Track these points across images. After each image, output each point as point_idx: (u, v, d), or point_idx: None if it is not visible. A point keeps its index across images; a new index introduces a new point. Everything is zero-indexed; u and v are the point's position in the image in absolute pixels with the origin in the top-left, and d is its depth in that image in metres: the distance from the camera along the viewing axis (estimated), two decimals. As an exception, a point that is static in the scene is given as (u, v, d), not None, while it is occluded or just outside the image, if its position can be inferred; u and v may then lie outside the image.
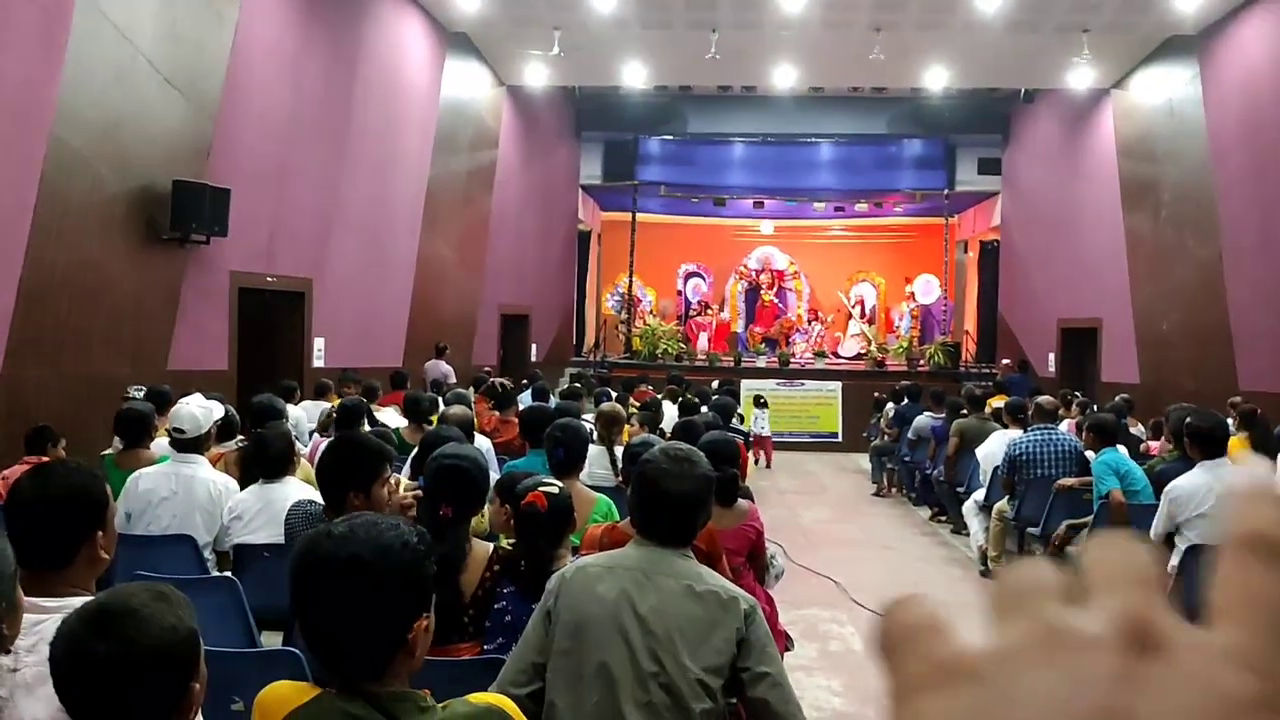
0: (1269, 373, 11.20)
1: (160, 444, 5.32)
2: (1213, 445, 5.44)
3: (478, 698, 1.77)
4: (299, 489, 4.34)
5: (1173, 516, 5.36)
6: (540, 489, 3.14)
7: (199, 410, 4.71)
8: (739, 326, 23.58)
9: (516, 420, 6.92)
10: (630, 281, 21.07)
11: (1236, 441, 8.31)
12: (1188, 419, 5.62)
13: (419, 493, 3.32)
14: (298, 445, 4.92)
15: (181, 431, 4.63)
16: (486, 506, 3.60)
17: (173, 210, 8.64)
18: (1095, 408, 9.99)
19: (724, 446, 4.43)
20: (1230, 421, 8.82)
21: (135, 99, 8.27)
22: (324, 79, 11.12)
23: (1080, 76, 14.49)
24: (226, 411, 5.67)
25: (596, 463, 5.97)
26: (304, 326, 11.11)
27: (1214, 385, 11.69)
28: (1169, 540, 5.40)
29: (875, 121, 19.43)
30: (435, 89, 13.93)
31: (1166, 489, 5.47)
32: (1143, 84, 14.47)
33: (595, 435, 6.42)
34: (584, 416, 8.27)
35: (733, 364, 19.07)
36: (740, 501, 4.40)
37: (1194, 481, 5.35)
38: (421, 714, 1.60)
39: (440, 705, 1.65)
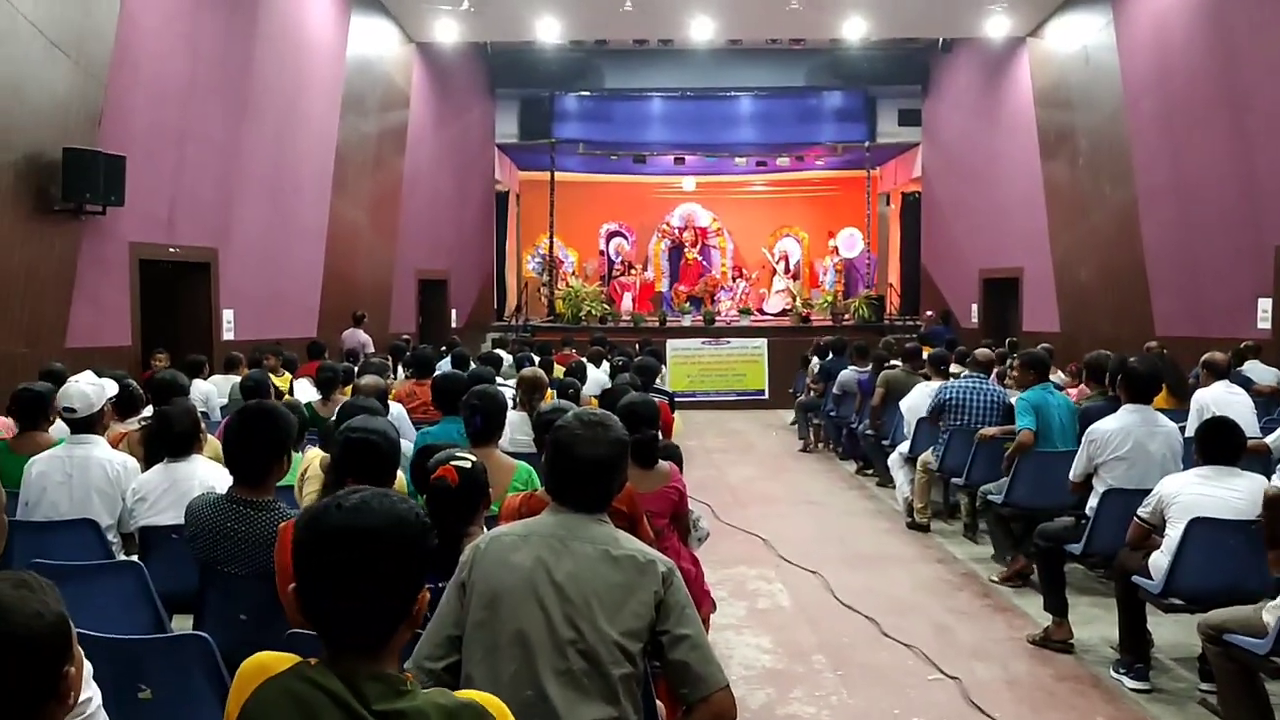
0: (1182, 316, 11.53)
1: (61, 426, 5.16)
2: (1144, 391, 5.58)
3: (459, 692, 1.80)
4: (206, 467, 4.25)
5: (1091, 459, 5.49)
6: (452, 462, 3.10)
7: (89, 387, 4.56)
8: (663, 286, 23.61)
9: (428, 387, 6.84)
10: (551, 242, 20.97)
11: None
12: (1129, 360, 5.75)
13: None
14: (204, 422, 4.81)
15: (73, 410, 4.49)
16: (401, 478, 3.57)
17: (64, 180, 8.35)
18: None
19: (643, 408, 4.43)
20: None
21: (18, 64, 7.94)
22: (222, 38, 10.80)
23: (997, 25, 14.65)
24: (129, 388, 5.52)
25: (518, 429, 5.95)
26: (211, 298, 10.85)
27: (1131, 330, 12.02)
28: (1088, 482, 5.54)
29: (794, 74, 19.45)
30: (341, 48, 13.63)
31: (1088, 431, 5.59)
32: (1058, 31, 14.68)
33: (517, 401, 6.40)
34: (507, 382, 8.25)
35: (658, 324, 19.10)
36: (661, 463, 4.40)
37: (1114, 424, 5.47)
38: (396, 698, 1.61)
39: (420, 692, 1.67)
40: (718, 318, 19.89)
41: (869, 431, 10.37)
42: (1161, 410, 5.89)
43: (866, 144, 20.39)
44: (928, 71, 19.37)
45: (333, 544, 1.60)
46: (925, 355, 9.82)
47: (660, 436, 5.41)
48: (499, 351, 11.32)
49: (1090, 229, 13.66)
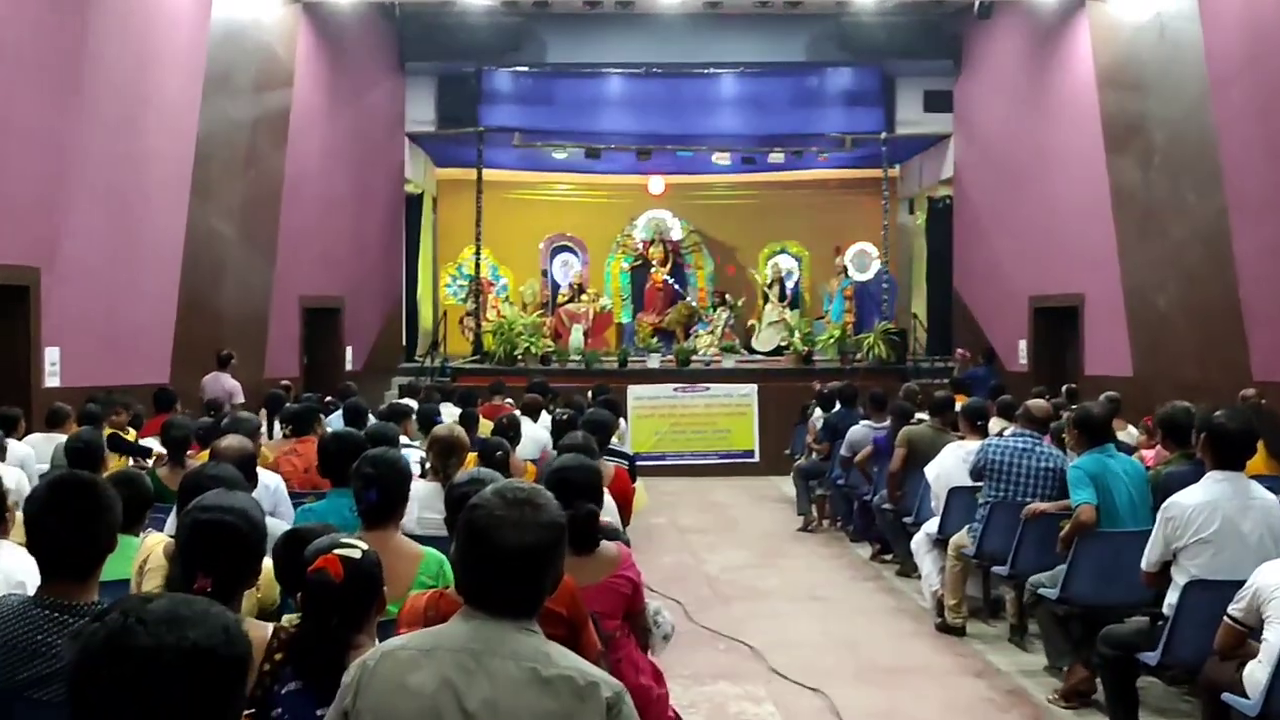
0: (1287, 357, 11.66)
1: None
2: (1235, 453, 5.60)
3: None
4: (13, 557, 4.18)
5: (1169, 541, 5.49)
6: (336, 550, 3.07)
7: None
8: (623, 316, 23.66)
9: (313, 446, 6.79)
10: (478, 260, 20.92)
11: (1249, 445, 8.63)
12: (1217, 412, 5.77)
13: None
14: (11, 497, 4.73)
15: None
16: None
17: None
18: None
19: (578, 474, 4.42)
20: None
21: None
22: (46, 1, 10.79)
23: (1047, -15, 14.89)
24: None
25: (428, 505, 5.89)
26: (30, 333, 10.74)
27: (1221, 375, 12.12)
28: (1166, 571, 5.55)
29: (791, 46, 19.66)
30: (203, 9, 13.63)
31: (1164, 506, 5.61)
32: (1125, -6, 14.92)
33: (428, 467, 6.35)
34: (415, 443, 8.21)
35: (616, 365, 19.15)
36: (604, 545, 4.36)
37: (1198, 497, 5.48)
38: None
39: None
40: (694, 357, 19.95)
41: (887, 505, 10.39)
42: (1258, 478, 5.93)
43: (883, 135, 20.58)
44: (961, 44, 19.62)
45: (147, 671, 1.54)
46: (959, 407, 9.87)
47: (603, 511, 5.38)
48: (407, 402, 11.28)
49: (1170, 246, 13.80)
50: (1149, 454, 8.77)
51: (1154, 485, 6.83)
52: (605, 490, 6.25)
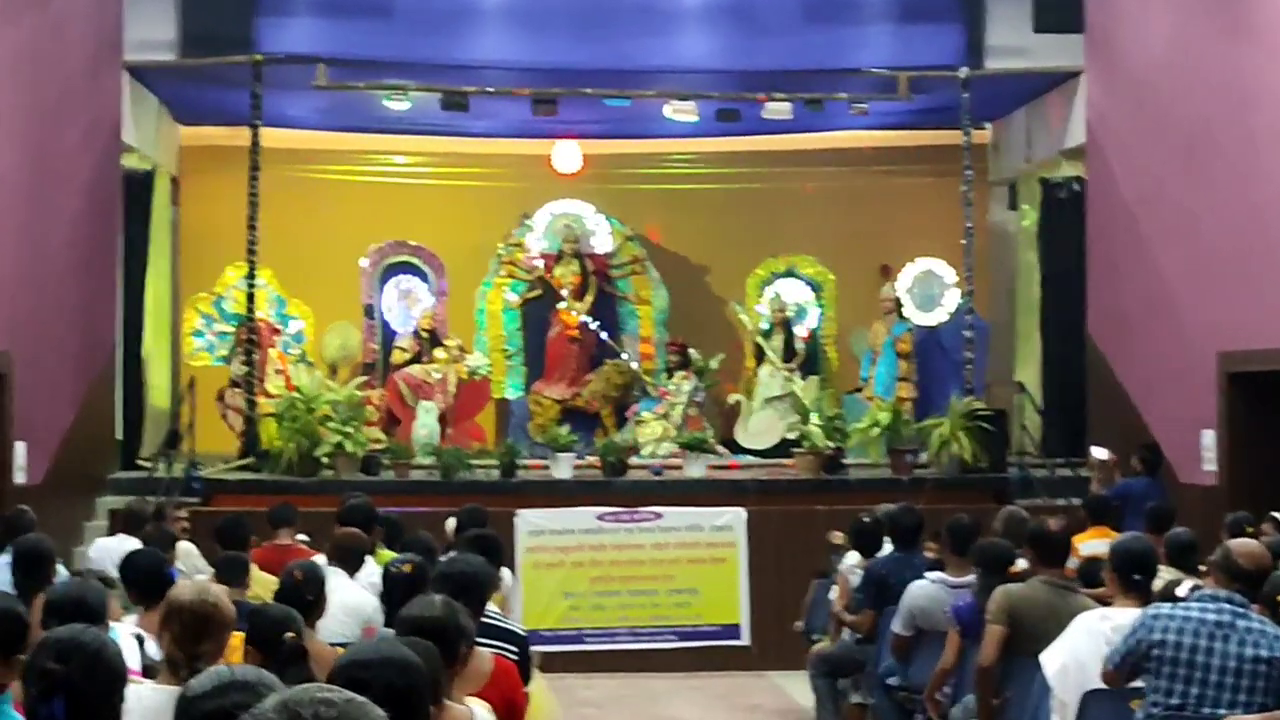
0: None
1: None
2: None
3: None
4: None
5: None
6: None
7: None
8: (509, 388, 23.64)
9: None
10: (251, 288, 20.83)
11: None
12: None
13: None
14: None
15: None
16: None
17: None
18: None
19: (377, 675, 4.40)
20: None
21: None
22: None
23: None
24: None
25: (160, 724, 5.84)
26: None
27: None
28: None
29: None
30: None
31: None
32: None
33: (160, 658, 6.28)
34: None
35: (499, 473, 19.12)
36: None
37: None
38: None
39: None
40: (634, 459, 19.98)
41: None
42: None
43: (964, 73, 20.78)
44: (1097, -83, 19.90)
45: None
46: (1102, 548, 9.88)
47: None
48: (125, 542, 11.19)
49: None
50: None
51: None
52: (478, 706, 6.27)
